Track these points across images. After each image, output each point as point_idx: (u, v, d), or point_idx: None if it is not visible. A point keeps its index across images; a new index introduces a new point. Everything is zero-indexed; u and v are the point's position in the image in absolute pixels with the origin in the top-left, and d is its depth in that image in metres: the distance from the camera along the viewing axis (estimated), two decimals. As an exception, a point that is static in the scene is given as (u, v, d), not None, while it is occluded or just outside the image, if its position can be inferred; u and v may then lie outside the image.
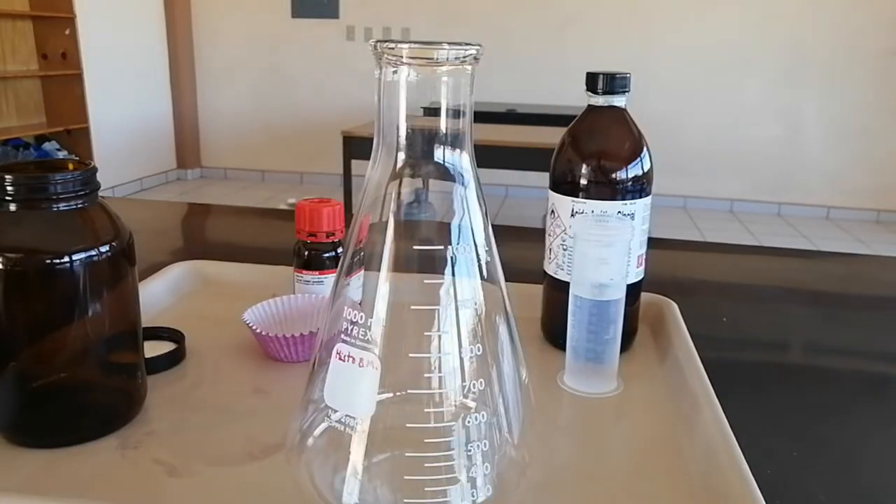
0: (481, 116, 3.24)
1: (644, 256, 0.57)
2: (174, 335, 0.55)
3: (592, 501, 0.39)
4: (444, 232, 0.34)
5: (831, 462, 0.47)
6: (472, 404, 0.35)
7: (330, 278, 0.59)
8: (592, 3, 4.17)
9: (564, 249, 0.55)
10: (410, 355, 0.34)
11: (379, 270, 0.34)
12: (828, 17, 3.95)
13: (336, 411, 0.35)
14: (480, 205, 0.35)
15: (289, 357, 0.53)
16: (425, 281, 0.34)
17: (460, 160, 0.34)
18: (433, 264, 0.34)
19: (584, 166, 0.54)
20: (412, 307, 0.34)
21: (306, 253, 0.60)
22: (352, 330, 0.34)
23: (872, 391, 0.60)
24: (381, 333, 0.33)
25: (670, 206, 4.20)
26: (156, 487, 0.39)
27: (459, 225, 0.34)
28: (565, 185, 0.55)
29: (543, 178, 0.58)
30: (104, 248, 0.41)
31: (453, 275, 0.34)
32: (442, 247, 0.34)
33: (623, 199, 0.54)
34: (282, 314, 0.57)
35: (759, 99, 4.13)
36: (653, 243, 0.58)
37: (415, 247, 0.34)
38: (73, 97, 3.95)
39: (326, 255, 0.60)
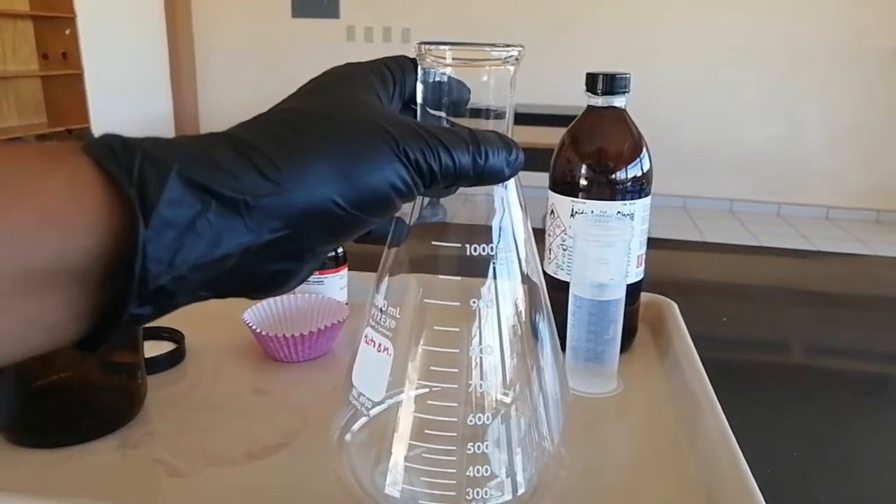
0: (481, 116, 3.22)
1: (644, 256, 0.57)
2: (174, 335, 0.55)
3: (592, 501, 0.39)
4: (484, 232, 0.34)
5: (831, 462, 0.47)
6: (510, 400, 0.35)
7: (330, 278, 0.59)
8: (592, 3, 4.17)
9: (564, 249, 0.55)
10: (449, 350, 0.34)
11: (416, 272, 0.35)
12: (828, 16, 3.94)
13: (364, 396, 0.36)
14: (521, 206, 0.35)
15: (289, 357, 0.53)
16: (465, 278, 0.34)
17: None
18: (474, 263, 0.34)
19: (584, 166, 0.54)
20: (453, 303, 0.34)
21: (306, 253, 0.60)
22: (383, 320, 0.35)
23: (872, 391, 0.60)
24: (418, 327, 0.34)
25: (670, 206, 4.20)
26: (156, 487, 0.39)
27: (500, 225, 0.35)
28: (565, 185, 0.55)
29: (543, 178, 0.58)
30: (104, 248, 0.41)
31: (495, 276, 0.34)
32: (484, 244, 0.34)
33: (623, 199, 0.54)
34: (282, 314, 0.57)
35: (759, 99, 4.13)
36: (653, 243, 0.58)
37: (451, 244, 0.34)
38: (74, 97, 3.95)
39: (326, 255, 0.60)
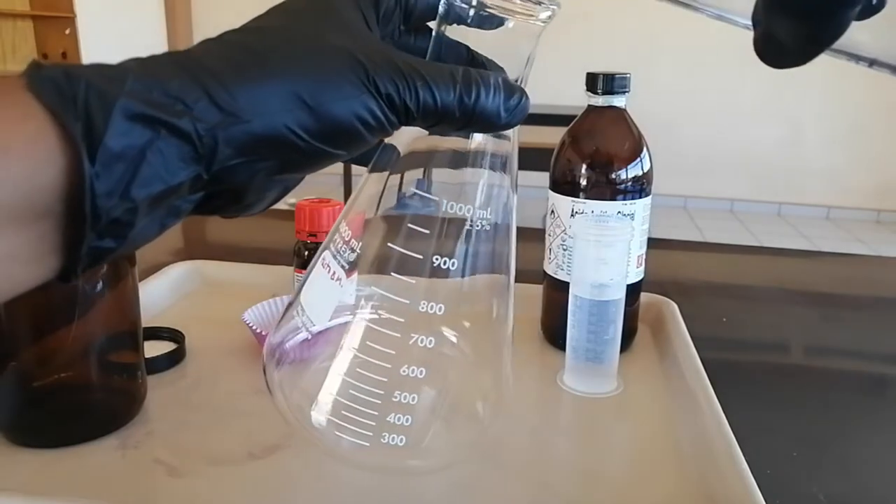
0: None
1: (644, 256, 0.57)
2: (174, 335, 0.55)
3: (592, 501, 0.39)
4: (466, 192, 0.34)
5: (831, 462, 0.47)
6: (451, 351, 0.36)
7: (330, 278, 0.59)
8: (592, 3, 4.17)
9: (564, 249, 0.55)
10: (400, 300, 0.34)
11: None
12: (828, 17, 3.94)
13: (307, 316, 0.36)
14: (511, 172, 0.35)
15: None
16: (436, 235, 0.34)
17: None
18: (450, 224, 0.34)
19: (584, 166, 0.54)
20: (416, 255, 0.34)
21: (306, 253, 0.60)
22: (343, 250, 0.35)
23: (872, 391, 0.60)
24: (376, 268, 0.34)
25: (670, 206, 4.20)
26: (156, 487, 0.39)
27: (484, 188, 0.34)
28: (565, 185, 0.55)
29: (543, 178, 0.58)
30: (104, 248, 0.41)
31: (466, 241, 0.34)
32: (463, 204, 0.34)
33: (623, 199, 0.54)
34: (282, 314, 0.57)
35: (759, 99, 4.12)
36: (653, 243, 0.58)
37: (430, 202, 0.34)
38: (74, 97, 3.94)
39: (326, 255, 0.60)
